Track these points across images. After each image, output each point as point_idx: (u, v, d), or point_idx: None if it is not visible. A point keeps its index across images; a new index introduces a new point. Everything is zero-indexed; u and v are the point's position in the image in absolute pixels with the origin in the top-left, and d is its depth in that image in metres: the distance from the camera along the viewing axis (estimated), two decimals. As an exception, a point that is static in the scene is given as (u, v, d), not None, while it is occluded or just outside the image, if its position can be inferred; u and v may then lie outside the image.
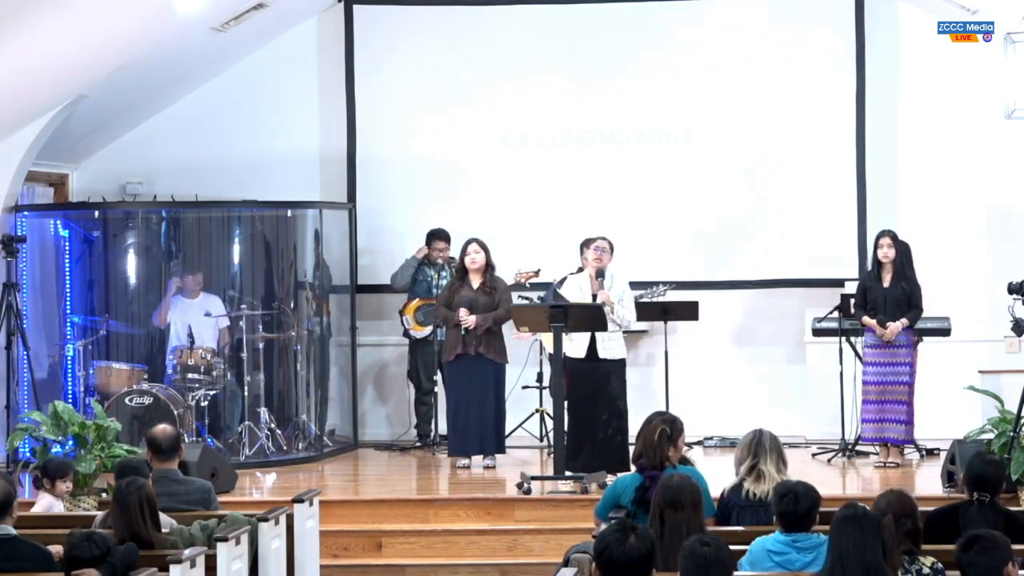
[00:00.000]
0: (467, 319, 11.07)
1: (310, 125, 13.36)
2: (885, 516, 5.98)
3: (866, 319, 11.08)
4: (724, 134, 12.93)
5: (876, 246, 11.21)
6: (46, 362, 12.41)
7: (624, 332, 12.06)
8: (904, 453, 11.36)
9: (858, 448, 11.52)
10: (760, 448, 7.43)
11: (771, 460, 7.38)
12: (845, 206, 12.79)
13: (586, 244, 11.24)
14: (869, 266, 11.56)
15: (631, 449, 10.93)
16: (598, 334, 10.59)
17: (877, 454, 11.37)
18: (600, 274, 10.74)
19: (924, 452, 11.54)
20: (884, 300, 11.07)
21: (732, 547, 5.71)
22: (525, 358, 12.38)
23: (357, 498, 10.43)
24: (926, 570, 6.03)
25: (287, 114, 13.35)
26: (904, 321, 11.01)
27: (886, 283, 11.12)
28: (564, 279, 11.26)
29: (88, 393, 11.80)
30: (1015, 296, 9.92)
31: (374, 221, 13.22)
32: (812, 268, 12.70)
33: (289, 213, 12.48)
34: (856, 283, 11.79)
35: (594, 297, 10.68)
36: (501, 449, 11.41)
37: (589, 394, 10.57)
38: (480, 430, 11.22)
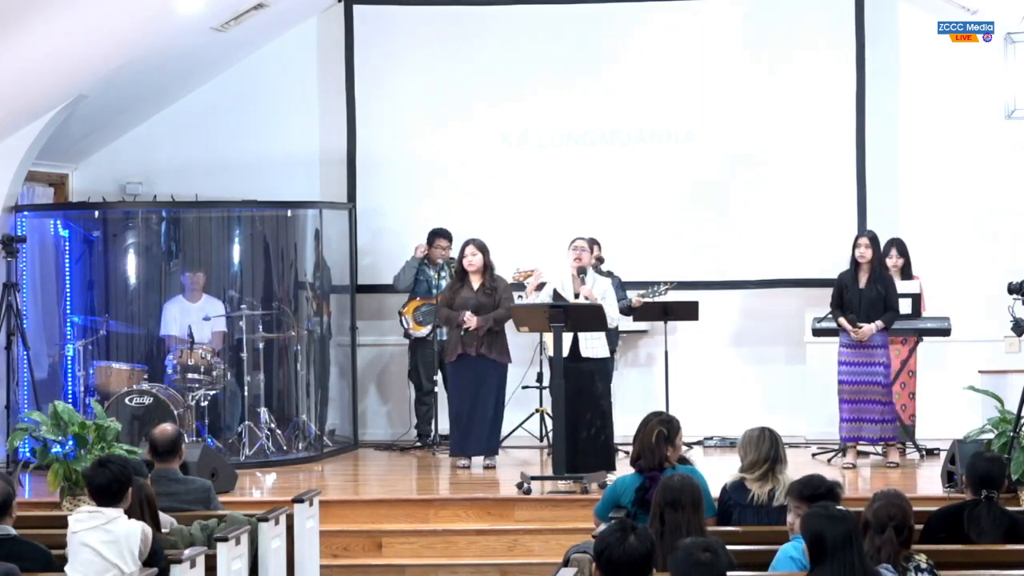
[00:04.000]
0: (469, 320, 11.06)
1: (310, 125, 13.36)
2: (885, 528, 5.97)
3: (841, 320, 11.08)
4: (724, 134, 12.93)
5: (854, 246, 11.20)
6: (46, 362, 12.40)
7: (623, 332, 12.10)
8: (906, 453, 11.37)
9: (858, 448, 11.49)
10: (779, 454, 7.33)
11: (784, 467, 7.32)
12: (845, 206, 12.79)
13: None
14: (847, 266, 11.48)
15: (618, 449, 11.04)
16: (581, 333, 10.58)
17: (879, 454, 11.38)
18: (582, 272, 10.76)
19: (924, 452, 11.54)
20: (860, 301, 11.07)
21: (732, 547, 5.71)
22: (529, 359, 12.38)
23: (357, 498, 10.42)
24: (923, 565, 6.04)
25: (287, 114, 13.35)
26: (879, 323, 11.00)
27: (862, 284, 11.12)
28: (543, 284, 11.27)
29: (88, 393, 11.80)
30: (1015, 296, 9.92)
31: (374, 221, 13.22)
32: (812, 268, 12.70)
33: (289, 213, 12.47)
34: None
35: (576, 296, 10.68)
36: (495, 451, 11.39)
37: (572, 394, 10.52)
38: (482, 430, 11.22)
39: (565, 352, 10.53)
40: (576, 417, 10.52)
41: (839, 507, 5.57)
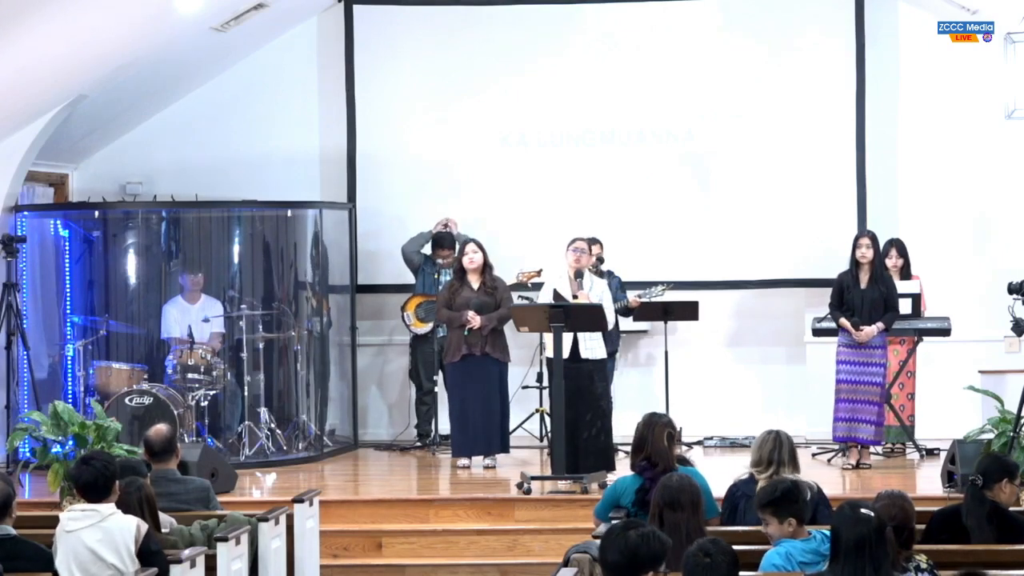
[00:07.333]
0: (473, 319, 11.05)
1: (310, 125, 13.36)
2: (886, 527, 5.97)
3: (843, 321, 11.06)
4: (724, 134, 12.93)
5: (855, 247, 11.18)
6: (46, 362, 12.40)
7: (623, 332, 12.10)
8: (906, 453, 11.37)
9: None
10: (782, 457, 7.31)
11: (788, 469, 7.31)
12: (845, 206, 12.79)
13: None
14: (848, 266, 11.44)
15: (618, 449, 11.03)
16: (580, 334, 10.58)
17: (878, 454, 11.37)
18: (579, 275, 10.74)
19: (924, 452, 11.54)
20: (862, 301, 11.05)
21: (738, 547, 5.70)
22: (529, 359, 12.38)
23: (357, 498, 10.43)
24: (924, 566, 6.04)
25: (287, 114, 13.34)
26: (880, 325, 10.98)
27: (864, 284, 11.10)
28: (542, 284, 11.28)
29: (88, 393, 11.79)
30: (1015, 296, 9.93)
31: (374, 221, 13.22)
32: (812, 268, 12.69)
33: (289, 213, 12.47)
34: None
35: (574, 298, 10.67)
36: (506, 448, 11.39)
37: (572, 394, 10.51)
38: (486, 430, 11.21)
39: (565, 353, 10.53)
40: (576, 418, 10.51)
41: (864, 510, 5.55)
